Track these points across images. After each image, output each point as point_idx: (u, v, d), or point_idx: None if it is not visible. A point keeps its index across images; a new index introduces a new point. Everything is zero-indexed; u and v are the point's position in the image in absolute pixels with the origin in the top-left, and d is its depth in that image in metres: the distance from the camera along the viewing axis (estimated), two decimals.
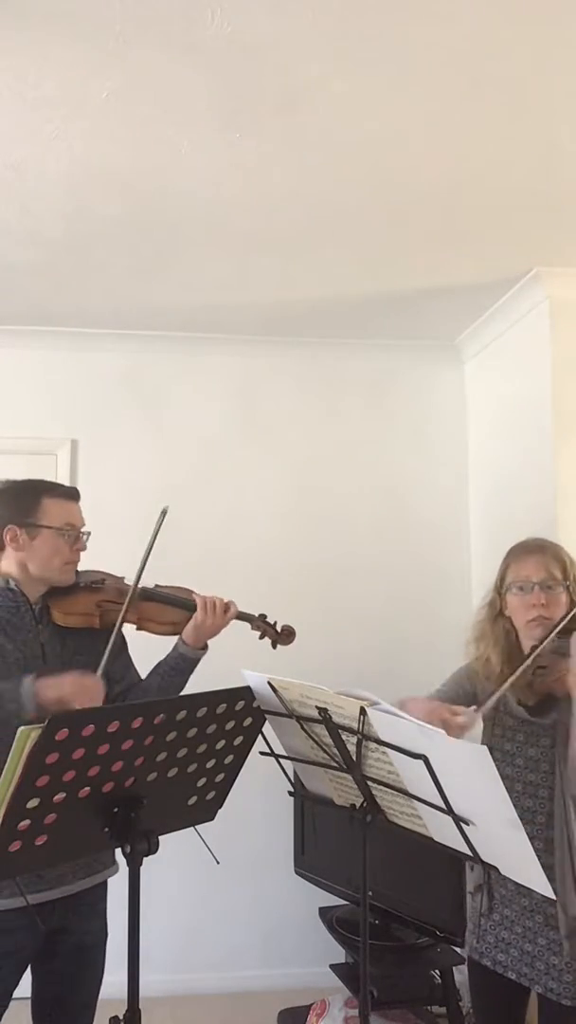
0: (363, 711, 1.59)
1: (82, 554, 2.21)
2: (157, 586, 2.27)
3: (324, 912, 3.42)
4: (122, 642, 2.23)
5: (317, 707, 1.67)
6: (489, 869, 1.61)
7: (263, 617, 2.34)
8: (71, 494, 2.20)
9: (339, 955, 3.33)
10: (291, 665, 2.27)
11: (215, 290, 3.49)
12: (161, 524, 2.10)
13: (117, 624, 2.08)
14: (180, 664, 2.20)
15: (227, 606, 2.21)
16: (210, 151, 2.47)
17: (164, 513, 2.08)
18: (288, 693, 1.72)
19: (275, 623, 2.35)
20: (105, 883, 2.17)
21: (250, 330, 3.94)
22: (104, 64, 2.09)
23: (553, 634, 1.95)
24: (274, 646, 2.34)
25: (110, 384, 3.98)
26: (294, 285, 3.45)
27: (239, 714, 1.72)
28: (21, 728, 1.42)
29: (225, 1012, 3.57)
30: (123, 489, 3.91)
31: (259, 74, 2.14)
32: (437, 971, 3.04)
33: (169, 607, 2.22)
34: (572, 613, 1.98)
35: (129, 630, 2.24)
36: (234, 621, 2.25)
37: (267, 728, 1.81)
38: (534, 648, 1.98)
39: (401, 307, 3.68)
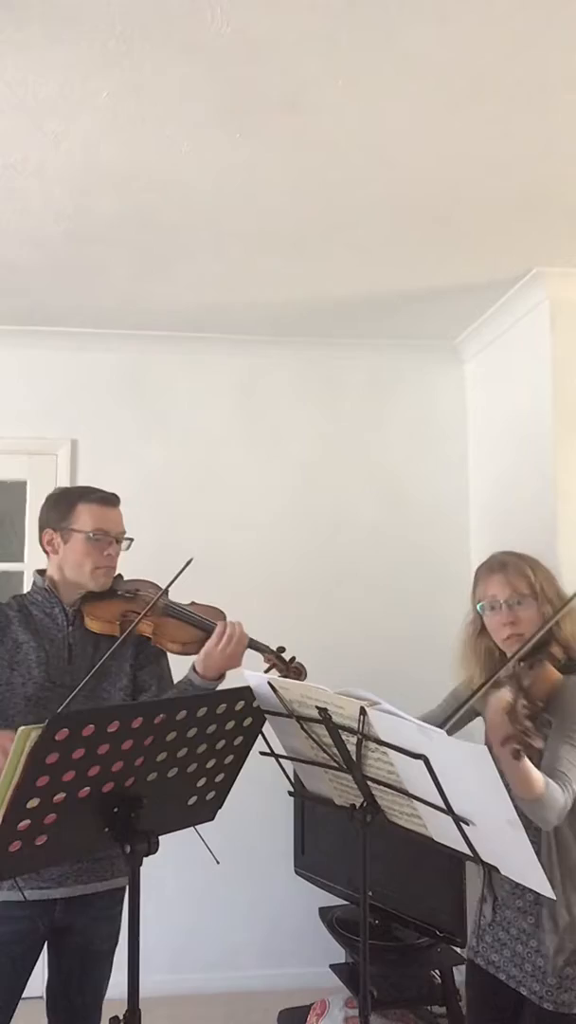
0: (363, 711, 1.59)
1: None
2: (193, 603, 2.24)
3: (324, 912, 3.43)
4: (156, 654, 2.22)
5: (317, 707, 1.67)
6: (489, 869, 1.61)
7: (280, 650, 2.23)
8: (107, 500, 2.22)
9: (339, 955, 3.33)
10: None
11: (215, 290, 3.49)
12: (182, 571, 2.04)
13: (122, 635, 2.05)
14: (187, 691, 2.12)
15: (240, 635, 2.11)
16: (210, 151, 2.47)
17: (188, 563, 2.04)
18: (288, 693, 1.72)
19: (291, 659, 2.23)
20: (121, 889, 2.14)
21: (250, 330, 3.94)
22: (104, 64, 2.09)
23: (523, 650, 1.94)
24: None
25: (110, 384, 3.99)
26: (294, 285, 3.45)
27: (239, 714, 1.72)
28: (21, 728, 1.43)
29: (225, 1012, 3.57)
30: (123, 489, 3.89)
31: (259, 74, 2.14)
32: (437, 971, 3.04)
33: (186, 626, 2.18)
34: (539, 632, 1.96)
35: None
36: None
37: (267, 728, 1.81)
38: (506, 665, 1.97)
39: (401, 307, 3.68)
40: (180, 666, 2.21)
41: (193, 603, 2.25)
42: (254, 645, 2.19)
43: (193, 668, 2.11)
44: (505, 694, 1.77)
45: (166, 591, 2.14)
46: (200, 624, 2.17)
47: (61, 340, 3.92)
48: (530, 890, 1.89)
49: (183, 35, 1.99)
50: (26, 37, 1.99)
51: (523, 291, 3.44)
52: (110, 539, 2.18)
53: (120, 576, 2.25)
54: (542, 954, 1.97)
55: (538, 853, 1.95)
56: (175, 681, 2.22)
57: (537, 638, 1.96)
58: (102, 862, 2.08)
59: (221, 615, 2.22)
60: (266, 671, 2.20)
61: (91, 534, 2.15)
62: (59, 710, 1.80)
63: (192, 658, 2.14)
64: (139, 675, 2.20)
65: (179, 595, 2.21)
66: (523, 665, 1.95)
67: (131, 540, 2.23)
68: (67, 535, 2.16)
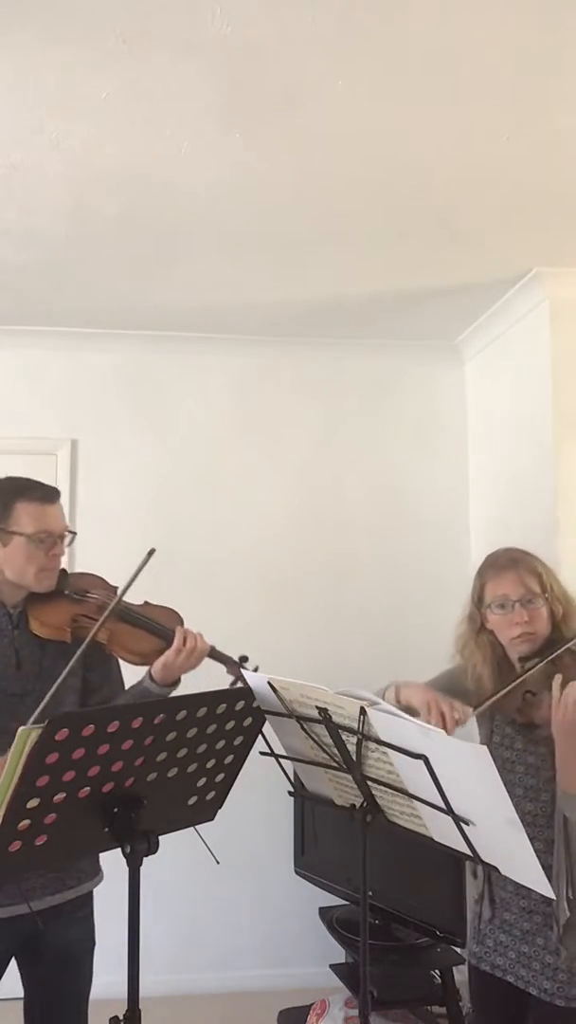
0: (363, 711, 1.59)
1: (80, 555, 2.14)
2: (146, 603, 2.15)
3: (324, 912, 3.42)
4: (105, 653, 2.12)
5: (317, 707, 1.67)
6: (489, 869, 1.61)
7: (243, 660, 2.14)
8: (48, 496, 2.07)
9: (339, 955, 3.33)
10: (291, 665, 2.26)
11: (215, 290, 3.49)
12: (144, 564, 1.93)
13: (83, 643, 1.95)
14: (144, 698, 2.05)
15: (202, 648, 2.04)
16: (210, 151, 2.47)
17: (150, 554, 1.93)
18: (288, 693, 1.72)
19: (255, 669, 2.10)
20: (89, 893, 2.11)
21: (250, 330, 3.94)
22: (104, 64, 2.09)
23: (547, 660, 1.94)
24: None
25: (110, 384, 3.99)
26: (294, 285, 3.45)
27: (239, 714, 1.72)
28: (21, 728, 1.43)
29: (225, 1012, 3.57)
30: (123, 489, 3.92)
31: (259, 74, 2.14)
32: (437, 971, 3.04)
33: (143, 633, 2.08)
34: (571, 642, 1.96)
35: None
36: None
37: (267, 728, 1.81)
38: (525, 669, 1.99)
39: (401, 307, 3.68)
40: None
41: (146, 603, 2.15)
42: (215, 655, 2.11)
43: (150, 675, 2.05)
44: None
45: (122, 595, 1.98)
46: (158, 631, 2.07)
47: (61, 340, 3.92)
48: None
49: (183, 35, 1.99)
50: (26, 37, 1.99)
51: (523, 291, 3.45)
52: (54, 539, 2.04)
53: (64, 572, 2.11)
54: (550, 951, 1.97)
55: (550, 853, 1.97)
56: (128, 684, 2.15)
57: (570, 642, 1.96)
58: (68, 870, 2.02)
59: (177, 618, 2.13)
60: (232, 684, 2.11)
61: (33, 536, 2.00)
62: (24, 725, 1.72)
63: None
64: (88, 676, 2.11)
65: (138, 592, 2.08)
66: (545, 665, 1.94)
67: (74, 535, 2.11)
68: (6, 538, 2.01)
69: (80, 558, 3.73)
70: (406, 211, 2.85)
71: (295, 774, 1.96)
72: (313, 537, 4.01)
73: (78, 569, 2.28)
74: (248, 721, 1.74)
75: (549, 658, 1.94)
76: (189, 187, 2.67)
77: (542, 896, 1.95)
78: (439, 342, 4.11)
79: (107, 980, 2.13)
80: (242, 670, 2.07)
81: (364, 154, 2.50)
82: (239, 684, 2.10)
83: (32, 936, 2.00)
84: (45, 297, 3.55)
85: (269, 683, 1.73)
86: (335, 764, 1.74)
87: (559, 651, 1.94)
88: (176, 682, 2.07)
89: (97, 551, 2.81)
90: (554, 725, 1.87)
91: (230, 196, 2.72)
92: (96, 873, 2.13)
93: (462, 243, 3.09)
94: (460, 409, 4.17)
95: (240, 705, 1.72)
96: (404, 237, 3.04)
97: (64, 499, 3.91)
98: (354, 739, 1.64)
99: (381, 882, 2.73)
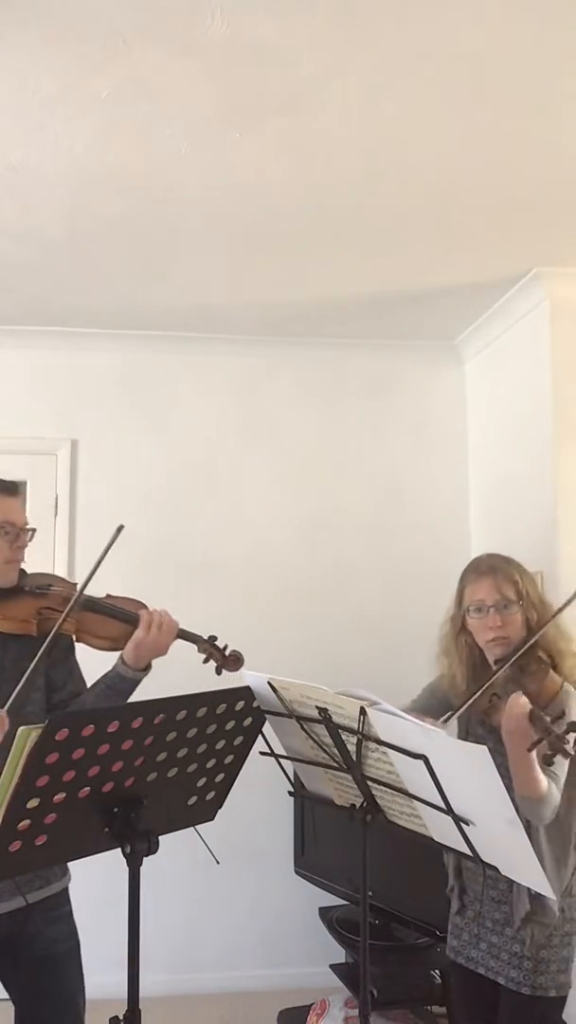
0: (363, 711, 1.59)
1: (80, 555, 2.12)
2: (108, 596, 2.16)
3: (324, 912, 3.42)
4: (67, 649, 2.12)
5: (317, 707, 1.67)
6: (489, 869, 1.62)
7: (212, 639, 2.17)
8: (8, 489, 2.09)
9: (339, 955, 3.33)
10: (291, 666, 2.26)
11: (215, 290, 3.49)
12: (114, 540, 1.91)
13: (51, 633, 1.93)
14: (117, 684, 2.04)
15: (170, 624, 2.05)
16: (210, 151, 2.47)
17: (119, 530, 1.92)
18: (288, 693, 1.72)
19: (224, 647, 2.18)
20: (61, 892, 2.06)
21: (250, 330, 3.94)
22: (104, 64, 2.09)
23: (510, 663, 1.97)
24: (218, 671, 2.15)
25: (110, 384, 3.99)
26: (294, 285, 3.45)
27: (239, 714, 1.72)
28: (21, 728, 1.42)
29: (225, 1012, 3.57)
30: (123, 489, 3.92)
31: (259, 74, 2.14)
32: (437, 971, 3.04)
33: (111, 620, 2.09)
34: (528, 644, 2.00)
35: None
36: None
37: (267, 728, 1.81)
38: (492, 673, 2.01)
39: (401, 307, 3.68)
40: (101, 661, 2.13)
41: (108, 596, 2.16)
42: (185, 635, 2.12)
43: (122, 660, 2.05)
44: (525, 701, 1.79)
45: (87, 582, 1.96)
46: (124, 616, 2.08)
47: (61, 340, 3.92)
48: (503, 879, 1.92)
49: (183, 35, 1.99)
50: (26, 37, 1.99)
51: (523, 291, 3.44)
52: (17, 530, 2.04)
53: (24, 571, 2.13)
54: (518, 940, 2.02)
55: None
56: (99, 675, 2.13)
57: (527, 645, 1.99)
58: (38, 871, 1.98)
59: (142, 605, 2.14)
60: (204, 662, 2.17)
61: None
62: None
63: (114, 655, 2.08)
64: (51, 673, 2.08)
65: (138, 593, 2.13)
66: (511, 670, 1.98)
67: (34, 531, 2.12)
68: None
69: (80, 558, 3.74)
70: (406, 211, 2.85)
71: (295, 774, 1.96)
72: (313, 537, 4.01)
73: (78, 568, 2.28)
74: (248, 721, 1.75)
75: (512, 660, 1.98)
76: (189, 187, 2.67)
77: (507, 885, 2.02)
78: (439, 342, 4.11)
79: (107, 980, 2.12)
80: (243, 670, 2.08)
81: (364, 154, 2.50)
82: (211, 662, 2.16)
83: (8, 939, 1.96)
84: (45, 297, 3.55)
85: (269, 683, 1.74)
86: (335, 764, 1.75)
87: (522, 651, 1.98)
88: (147, 667, 2.07)
89: (97, 551, 2.81)
90: (503, 733, 1.88)
91: (230, 196, 2.72)
92: (64, 873, 2.09)
93: (462, 243, 3.09)
94: (460, 409, 4.16)
95: (240, 705, 1.72)
96: (404, 237, 3.04)
97: (64, 499, 3.95)
98: (354, 739, 1.64)
99: (381, 882, 2.72)
